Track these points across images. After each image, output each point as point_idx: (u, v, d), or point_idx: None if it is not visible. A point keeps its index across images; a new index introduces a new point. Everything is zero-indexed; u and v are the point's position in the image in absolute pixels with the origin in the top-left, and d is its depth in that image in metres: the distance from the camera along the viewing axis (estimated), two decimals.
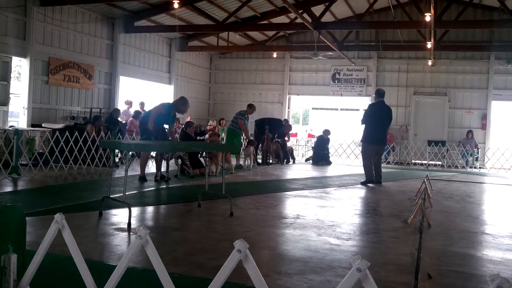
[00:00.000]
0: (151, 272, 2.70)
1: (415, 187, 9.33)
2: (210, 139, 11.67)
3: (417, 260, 4.17)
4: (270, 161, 14.68)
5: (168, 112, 9.19)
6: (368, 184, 10.02)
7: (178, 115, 11.30)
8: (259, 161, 14.26)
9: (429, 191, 7.62)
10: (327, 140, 16.51)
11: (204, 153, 8.52)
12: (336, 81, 19.42)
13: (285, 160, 15.22)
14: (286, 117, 19.48)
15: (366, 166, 10.29)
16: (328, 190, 9.00)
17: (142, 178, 9.05)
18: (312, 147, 16.87)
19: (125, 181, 5.52)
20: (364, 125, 10.45)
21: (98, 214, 5.61)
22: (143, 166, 9.26)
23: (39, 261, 2.37)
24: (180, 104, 9.40)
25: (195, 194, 6.88)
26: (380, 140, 10.45)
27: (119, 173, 9.95)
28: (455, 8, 16.30)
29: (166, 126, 9.79)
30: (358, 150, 17.86)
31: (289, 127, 16.44)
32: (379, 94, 10.71)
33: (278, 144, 15.00)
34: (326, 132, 16.57)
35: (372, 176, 10.17)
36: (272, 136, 14.81)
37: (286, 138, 15.77)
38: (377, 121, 10.29)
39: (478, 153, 17.04)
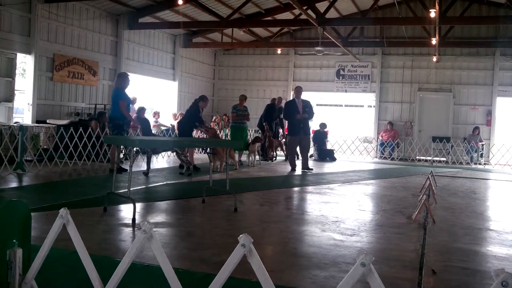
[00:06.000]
0: (155, 267, 2.71)
1: (420, 183, 9.32)
2: (210, 134, 11.60)
3: (421, 256, 4.17)
4: (274, 157, 14.66)
5: (117, 97, 9.38)
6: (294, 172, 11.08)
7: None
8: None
9: (433, 187, 7.61)
10: (325, 134, 16.52)
11: (208, 149, 8.55)
12: (341, 77, 19.36)
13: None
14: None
15: (293, 156, 11.96)
16: (332, 186, 8.99)
17: (116, 169, 9.10)
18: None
19: (130, 177, 5.54)
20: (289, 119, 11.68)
21: (102, 209, 5.63)
22: (113, 158, 9.20)
23: (44, 256, 2.38)
24: (119, 81, 9.60)
25: (199, 190, 6.89)
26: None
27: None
28: (460, 4, 16.20)
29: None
30: (363, 146, 17.91)
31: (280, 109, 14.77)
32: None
33: (281, 141, 14.99)
34: (322, 125, 16.64)
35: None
36: (281, 122, 14.76)
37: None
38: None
39: (482, 149, 16.97)
